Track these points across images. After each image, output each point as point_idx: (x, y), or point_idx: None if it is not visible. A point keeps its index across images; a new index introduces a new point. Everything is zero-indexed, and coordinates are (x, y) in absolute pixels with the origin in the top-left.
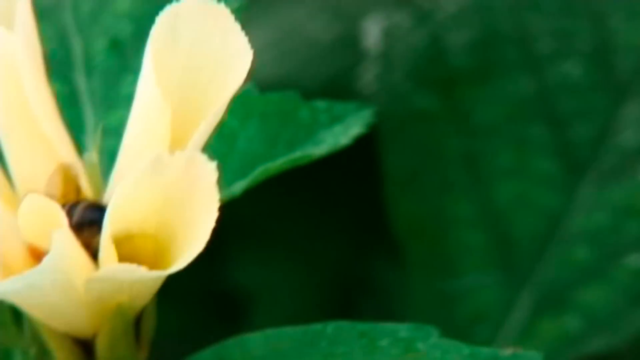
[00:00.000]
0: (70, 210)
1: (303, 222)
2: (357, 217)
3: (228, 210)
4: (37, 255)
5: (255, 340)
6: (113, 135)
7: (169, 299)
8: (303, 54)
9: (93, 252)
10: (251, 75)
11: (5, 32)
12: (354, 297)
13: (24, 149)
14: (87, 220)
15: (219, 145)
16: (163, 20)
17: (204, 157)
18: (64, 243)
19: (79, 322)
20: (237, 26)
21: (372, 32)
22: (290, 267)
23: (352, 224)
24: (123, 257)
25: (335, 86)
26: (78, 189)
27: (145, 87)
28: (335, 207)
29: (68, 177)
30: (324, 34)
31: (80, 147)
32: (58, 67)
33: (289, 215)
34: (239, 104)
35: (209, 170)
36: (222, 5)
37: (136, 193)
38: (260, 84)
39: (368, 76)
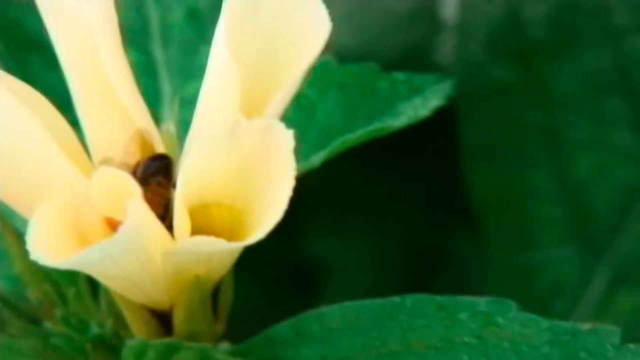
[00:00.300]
0: (136, 169)
1: (379, 194)
2: (434, 189)
3: (304, 182)
4: (114, 226)
5: (334, 312)
6: (190, 106)
7: (241, 270)
8: (379, 25)
9: (165, 212)
10: (330, 46)
11: (81, 0)
12: (429, 270)
13: (100, 116)
14: (152, 170)
15: (298, 116)
16: None
17: (281, 125)
18: (139, 213)
19: (156, 294)
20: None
21: (449, 3)
22: (366, 239)
23: (428, 196)
24: (198, 228)
25: (412, 57)
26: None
27: (217, 54)
28: (412, 179)
29: (144, 145)
30: (400, 5)
31: (156, 117)
32: (134, 36)
33: (364, 187)
34: (317, 75)
35: (286, 138)
36: None
37: (210, 157)
38: (337, 55)
39: (445, 48)
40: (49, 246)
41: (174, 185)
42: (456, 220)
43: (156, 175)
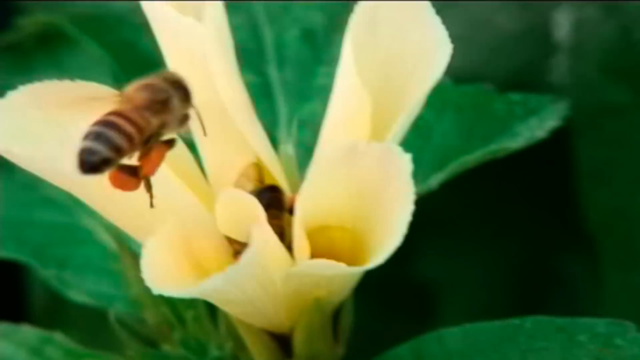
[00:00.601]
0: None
1: (492, 215)
2: (547, 210)
3: (421, 203)
4: (228, 251)
5: (453, 334)
6: (306, 127)
7: (356, 291)
8: (492, 46)
9: (281, 239)
10: (451, 73)
11: (194, 23)
12: (543, 291)
13: (215, 140)
14: (264, 202)
15: (415, 138)
16: (362, 10)
17: (398, 149)
18: (263, 237)
19: (276, 317)
20: (436, 18)
21: (562, 24)
22: (480, 260)
23: (542, 217)
24: (319, 249)
25: (525, 78)
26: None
27: (344, 78)
28: (526, 200)
29: (260, 170)
30: (513, 25)
31: (273, 139)
32: (249, 57)
33: (477, 207)
34: (434, 97)
35: (404, 162)
36: None
37: (329, 180)
38: (451, 76)
39: (559, 68)
40: (163, 274)
41: (289, 211)
42: (570, 241)
43: (269, 207)
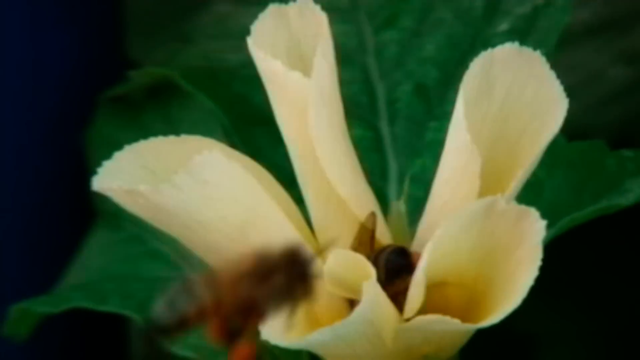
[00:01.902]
0: (376, 258)
1: (596, 270)
2: None
3: None
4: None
5: None
6: (416, 183)
7: None
8: (602, 101)
9: (400, 298)
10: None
11: (301, 78)
12: None
13: (319, 195)
14: (396, 266)
15: (526, 194)
16: (477, 65)
17: (535, 212)
18: (374, 294)
19: None
20: (552, 74)
21: None
22: (579, 314)
23: None
24: (431, 304)
25: (635, 135)
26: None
27: (456, 133)
28: (627, 255)
29: (367, 229)
30: (623, 81)
31: (383, 194)
32: (360, 111)
33: (580, 263)
34: (545, 152)
35: (540, 226)
36: (537, 52)
37: (459, 238)
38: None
39: None
40: (280, 324)
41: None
42: None
43: (399, 271)
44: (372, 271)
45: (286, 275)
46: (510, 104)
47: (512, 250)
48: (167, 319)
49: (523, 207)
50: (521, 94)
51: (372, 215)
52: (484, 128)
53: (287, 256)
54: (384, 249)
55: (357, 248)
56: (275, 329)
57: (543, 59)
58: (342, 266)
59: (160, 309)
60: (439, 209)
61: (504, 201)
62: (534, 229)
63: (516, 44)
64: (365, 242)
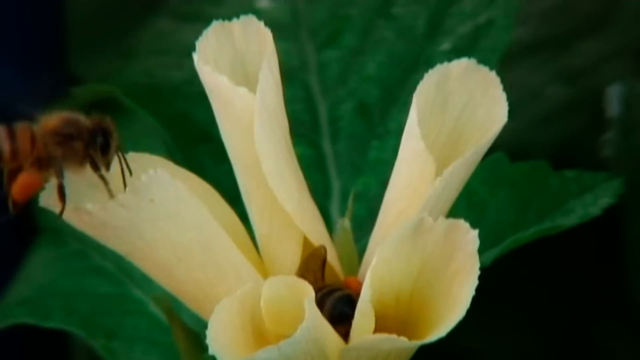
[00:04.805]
0: (322, 298)
1: (539, 287)
2: (594, 286)
3: None
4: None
5: None
6: (358, 201)
7: None
8: (541, 120)
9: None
10: (501, 143)
11: (246, 94)
12: None
13: (264, 212)
14: (342, 314)
15: (469, 214)
16: (432, 78)
17: (465, 224)
18: (315, 312)
19: None
20: (503, 95)
21: (612, 100)
22: (524, 332)
23: (588, 293)
24: None
25: (574, 154)
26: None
27: (409, 142)
28: (573, 274)
29: (316, 257)
30: (562, 100)
31: (325, 212)
32: (302, 129)
33: (525, 280)
34: (489, 172)
35: (471, 237)
36: (493, 72)
37: (395, 257)
38: (501, 146)
39: (609, 145)
40: (228, 342)
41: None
42: (618, 315)
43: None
44: (310, 291)
45: (86, 144)
46: (462, 121)
47: (446, 263)
48: None
49: (451, 220)
50: (474, 113)
51: (323, 247)
52: (437, 141)
53: (93, 126)
54: (331, 290)
55: (304, 275)
56: (224, 347)
57: (497, 79)
58: (280, 293)
59: None
60: (392, 221)
61: (431, 218)
62: (465, 239)
63: (473, 61)
64: (313, 269)
